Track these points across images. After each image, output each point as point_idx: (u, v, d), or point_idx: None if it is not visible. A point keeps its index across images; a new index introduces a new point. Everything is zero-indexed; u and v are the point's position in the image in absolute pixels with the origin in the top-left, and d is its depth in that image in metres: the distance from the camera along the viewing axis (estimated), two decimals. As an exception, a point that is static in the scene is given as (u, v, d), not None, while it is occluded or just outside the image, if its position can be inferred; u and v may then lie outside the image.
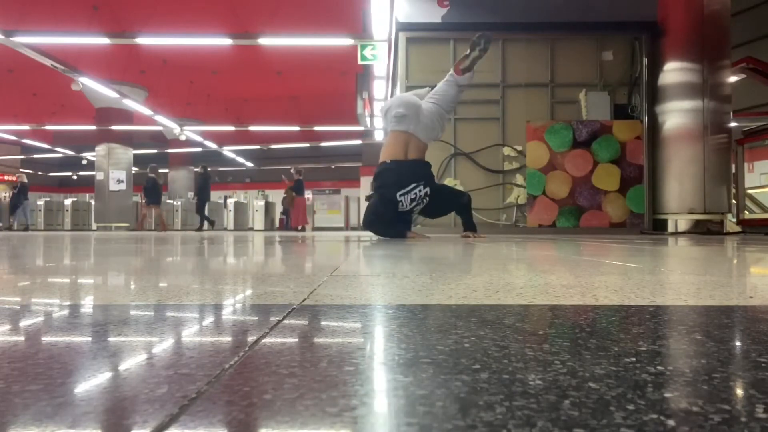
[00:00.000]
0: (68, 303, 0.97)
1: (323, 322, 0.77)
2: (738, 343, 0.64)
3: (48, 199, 21.80)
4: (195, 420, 0.38)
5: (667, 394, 0.43)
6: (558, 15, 7.38)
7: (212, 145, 21.27)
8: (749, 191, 8.46)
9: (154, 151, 24.23)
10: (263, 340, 0.63)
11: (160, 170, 14.91)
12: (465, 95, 5.54)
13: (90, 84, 12.06)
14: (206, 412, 0.39)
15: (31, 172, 30.85)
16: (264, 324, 0.74)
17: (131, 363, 0.55)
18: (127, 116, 16.92)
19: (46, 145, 23.28)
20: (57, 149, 24.51)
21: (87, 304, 0.97)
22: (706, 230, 6.68)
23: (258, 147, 23.63)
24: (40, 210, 20.39)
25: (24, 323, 0.78)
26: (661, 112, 7.17)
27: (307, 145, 23.17)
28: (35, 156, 28.55)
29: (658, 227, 7.24)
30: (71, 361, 0.55)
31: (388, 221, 4.68)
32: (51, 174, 32.97)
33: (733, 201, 7.56)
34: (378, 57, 9.14)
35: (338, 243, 4.27)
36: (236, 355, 0.56)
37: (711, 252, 2.64)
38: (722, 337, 0.65)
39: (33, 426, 0.36)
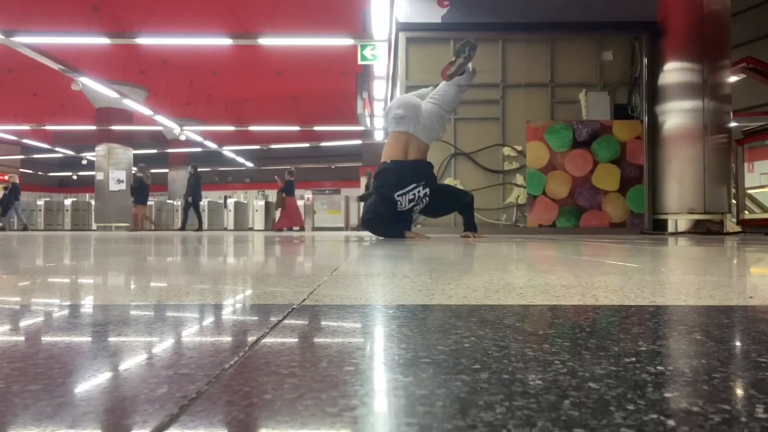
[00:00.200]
0: (68, 303, 0.97)
1: (323, 322, 0.77)
2: (738, 343, 0.64)
3: (48, 199, 21.82)
4: (195, 420, 0.38)
5: (667, 394, 0.43)
6: (558, 15, 7.38)
7: (212, 145, 21.27)
8: (749, 191, 8.46)
9: (154, 151, 24.21)
10: (263, 340, 0.63)
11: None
12: (465, 95, 5.54)
13: (90, 84, 12.06)
14: (206, 412, 0.39)
15: (31, 172, 30.88)
16: (264, 324, 0.74)
17: (131, 363, 0.55)
18: (127, 116, 16.92)
19: (46, 145, 23.27)
20: (57, 149, 24.50)
21: (87, 304, 0.97)
22: (706, 230, 6.68)
23: (258, 147, 23.63)
24: (40, 210, 20.41)
25: (24, 323, 0.78)
26: (661, 112, 7.17)
27: (307, 145, 23.18)
28: (35, 156, 28.55)
29: (658, 227, 7.24)
30: (71, 361, 0.55)
31: (387, 221, 4.67)
32: (51, 174, 32.99)
33: (733, 201, 7.56)
34: (378, 57, 9.14)
35: (338, 243, 4.27)
36: (236, 355, 0.56)
37: (711, 252, 2.64)
38: (722, 337, 0.65)
39: (33, 426, 0.36)
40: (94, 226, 18.04)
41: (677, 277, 1.40)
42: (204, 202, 20.36)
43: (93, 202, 18.52)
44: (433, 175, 4.89)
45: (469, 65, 4.90)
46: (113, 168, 16.69)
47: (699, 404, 0.40)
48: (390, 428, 0.36)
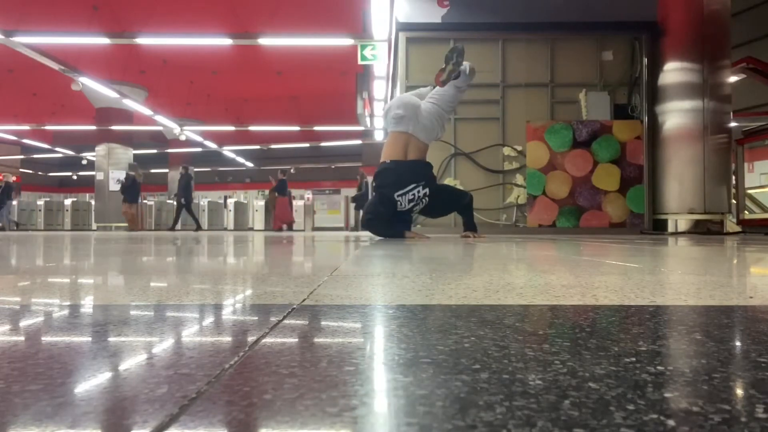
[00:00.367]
0: (68, 303, 0.97)
1: (323, 322, 0.77)
2: (738, 343, 0.64)
3: (48, 199, 21.82)
4: (195, 420, 0.38)
5: (667, 394, 0.43)
6: (558, 15, 7.37)
7: (212, 145, 21.28)
8: (749, 191, 8.46)
9: (154, 151, 24.23)
10: (263, 340, 0.63)
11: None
12: (465, 95, 5.54)
13: (90, 84, 12.06)
14: (206, 412, 0.39)
15: (31, 172, 30.89)
16: (264, 324, 0.74)
17: (131, 363, 0.55)
18: (127, 116, 16.92)
19: (46, 145, 23.28)
20: (57, 149, 24.51)
21: (87, 304, 0.97)
22: (706, 230, 6.68)
23: (258, 147, 23.64)
24: (40, 210, 20.41)
25: (24, 323, 0.78)
26: (661, 112, 7.17)
27: (307, 145, 23.19)
28: (35, 156, 28.56)
29: (658, 227, 7.24)
30: (71, 361, 0.55)
31: (386, 221, 4.67)
32: (51, 174, 33.01)
33: (733, 201, 7.56)
34: (378, 57, 9.14)
35: (338, 243, 4.27)
36: (236, 355, 0.56)
37: (711, 252, 2.64)
38: (722, 337, 0.65)
39: (33, 426, 0.36)
40: (94, 226, 18.05)
41: (677, 277, 1.40)
42: (204, 202, 20.39)
43: (93, 202, 18.53)
44: (432, 175, 4.89)
45: (467, 66, 4.90)
46: (113, 168, 16.69)
47: (699, 404, 0.40)
48: (390, 428, 0.36)
